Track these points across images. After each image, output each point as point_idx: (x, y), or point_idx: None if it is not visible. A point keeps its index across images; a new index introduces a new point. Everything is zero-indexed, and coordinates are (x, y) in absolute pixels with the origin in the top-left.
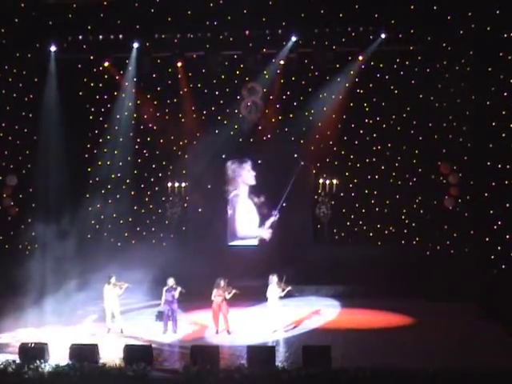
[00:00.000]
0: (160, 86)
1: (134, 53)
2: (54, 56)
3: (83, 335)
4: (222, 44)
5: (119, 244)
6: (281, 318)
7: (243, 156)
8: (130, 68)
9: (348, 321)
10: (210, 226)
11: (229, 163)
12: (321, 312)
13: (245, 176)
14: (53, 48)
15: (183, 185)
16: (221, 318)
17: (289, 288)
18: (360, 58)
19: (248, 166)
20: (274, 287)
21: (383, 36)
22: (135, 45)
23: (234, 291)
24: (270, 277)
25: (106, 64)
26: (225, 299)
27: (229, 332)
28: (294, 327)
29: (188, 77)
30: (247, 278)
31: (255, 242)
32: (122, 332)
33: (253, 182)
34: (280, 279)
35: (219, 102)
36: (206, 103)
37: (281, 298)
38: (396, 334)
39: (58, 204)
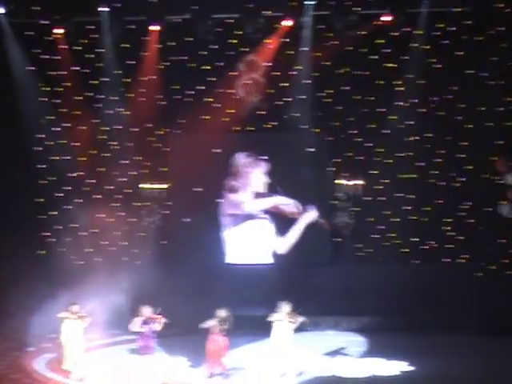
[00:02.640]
0: (133, 59)
1: (100, 17)
2: (7, 20)
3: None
4: (212, 5)
5: (80, 262)
6: (291, 358)
7: (241, 149)
8: (93, 37)
9: (376, 362)
10: (199, 240)
11: (239, 156)
12: (341, 351)
13: (253, 180)
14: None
15: (163, 186)
16: (216, 358)
17: (301, 319)
18: (391, 21)
19: (261, 168)
20: (282, 317)
21: None
22: (102, 6)
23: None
24: (282, 304)
25: (60, 31)
26: (224, 334)
27: (226, 376)
28: (307, 370)
29: (169, 47)
30: (247, 307)
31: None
32: (83, 380)
33: (261, 189)
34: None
35: (209, 79)
36: (192, 81)
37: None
38: (440, 381)
39: None
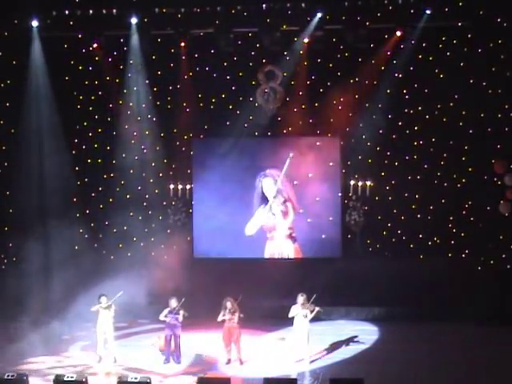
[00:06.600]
0: (161, 70)
1: (131, 31)
2: (37, 33)
3: (70, 365)
4: (234, 20)
5: (112, 257)
6: (306, 345)
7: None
8: (125, 49)
9: (385, 350)
10: (220, 236)
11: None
12: (352, 339)
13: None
14: (34, 23)
15: (188, 187)
16: (232, 345)
17: (317, 309)
18: (398, 35)
19: (270, 178)
20: (298, 309)
21: (427, 11)
22: (133, 21)
23: (237, 314)
24: (298, 297)
25: (95, 45)
26: (237, 323)
27: (241, 362)
28: (321, 357)
29: (194, 59)
30: (264, 298)
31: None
32: (115, 361)
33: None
34: (307, 299)
35: (231, 88)
36: (215, 90)
37: (310, 321)
38: (442, 367)
39: (39, 209)
